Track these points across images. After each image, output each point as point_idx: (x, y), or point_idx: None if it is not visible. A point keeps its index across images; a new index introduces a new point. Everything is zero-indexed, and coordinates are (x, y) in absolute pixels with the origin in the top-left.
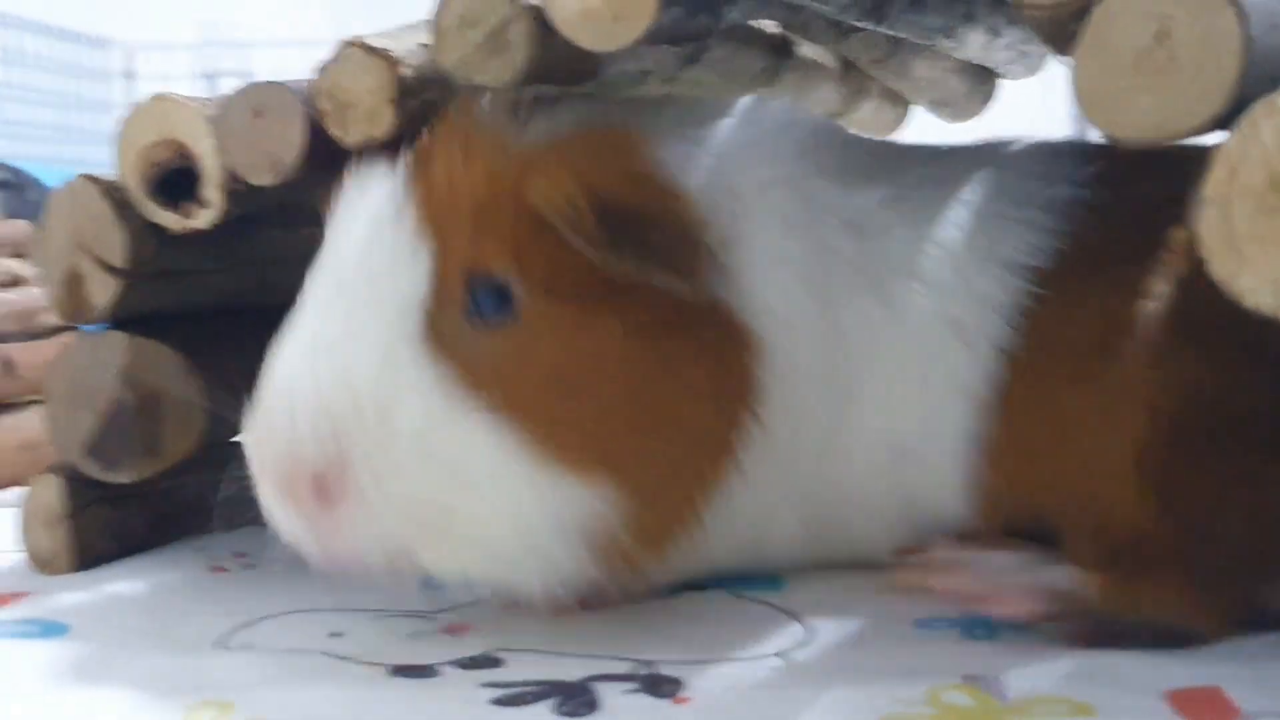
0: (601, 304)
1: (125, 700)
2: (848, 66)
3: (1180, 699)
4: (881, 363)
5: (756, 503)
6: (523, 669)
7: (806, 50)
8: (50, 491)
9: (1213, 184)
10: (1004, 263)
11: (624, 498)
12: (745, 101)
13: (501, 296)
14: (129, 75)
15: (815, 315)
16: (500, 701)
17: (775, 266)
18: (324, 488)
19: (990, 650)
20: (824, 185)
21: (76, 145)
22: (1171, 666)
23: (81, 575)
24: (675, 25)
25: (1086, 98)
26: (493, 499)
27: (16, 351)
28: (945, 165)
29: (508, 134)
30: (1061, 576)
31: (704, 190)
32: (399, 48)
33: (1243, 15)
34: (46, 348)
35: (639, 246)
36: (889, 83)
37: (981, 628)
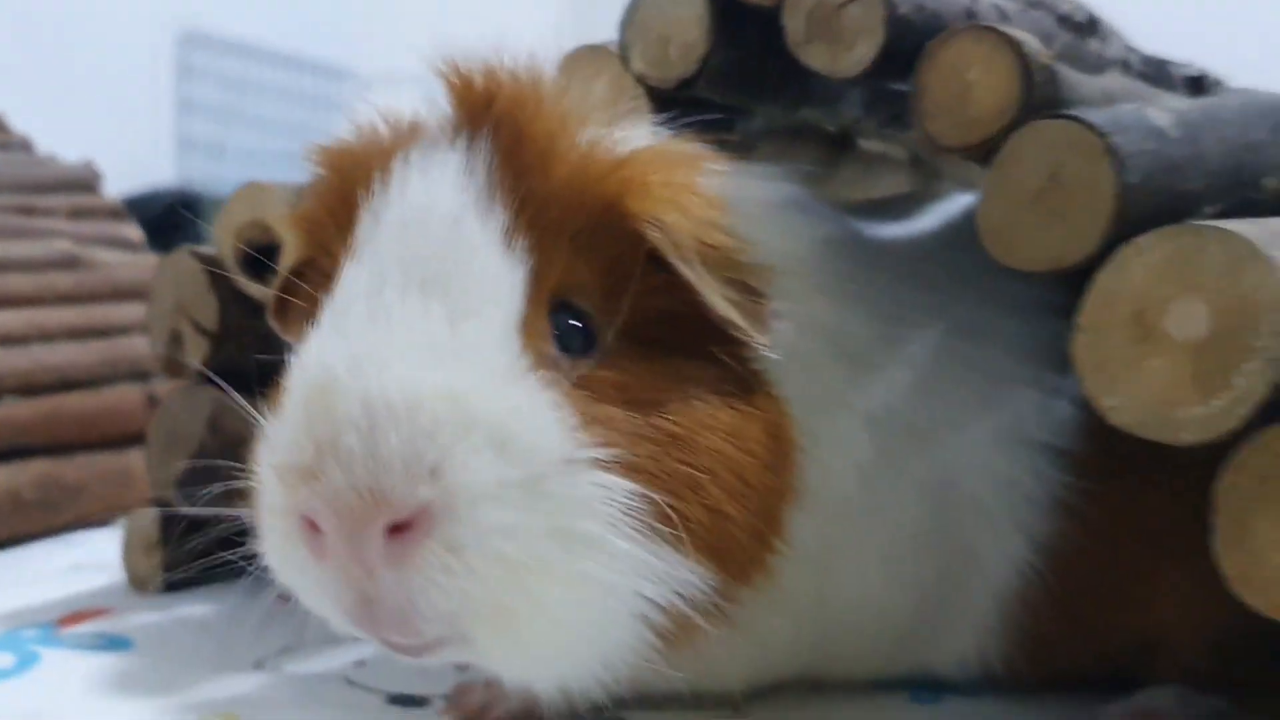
0: (682, 351)
1: (148, 708)
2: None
3: None
4: None
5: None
6: None
7: (871, 142)
8: (147, 521)
9: (1087, 313)
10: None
11: (716, 574)
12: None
13: (583, 328)
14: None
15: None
16: None
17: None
18: (405, 533)
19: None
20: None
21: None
22: None
23: (166, 597)
24: None
25: (989, 231)
26: (594, 566)
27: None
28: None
29: (606, 138)
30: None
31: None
32: None
33: (1119, 163)
34: None
35: (725, 289)
36: (957, 173)
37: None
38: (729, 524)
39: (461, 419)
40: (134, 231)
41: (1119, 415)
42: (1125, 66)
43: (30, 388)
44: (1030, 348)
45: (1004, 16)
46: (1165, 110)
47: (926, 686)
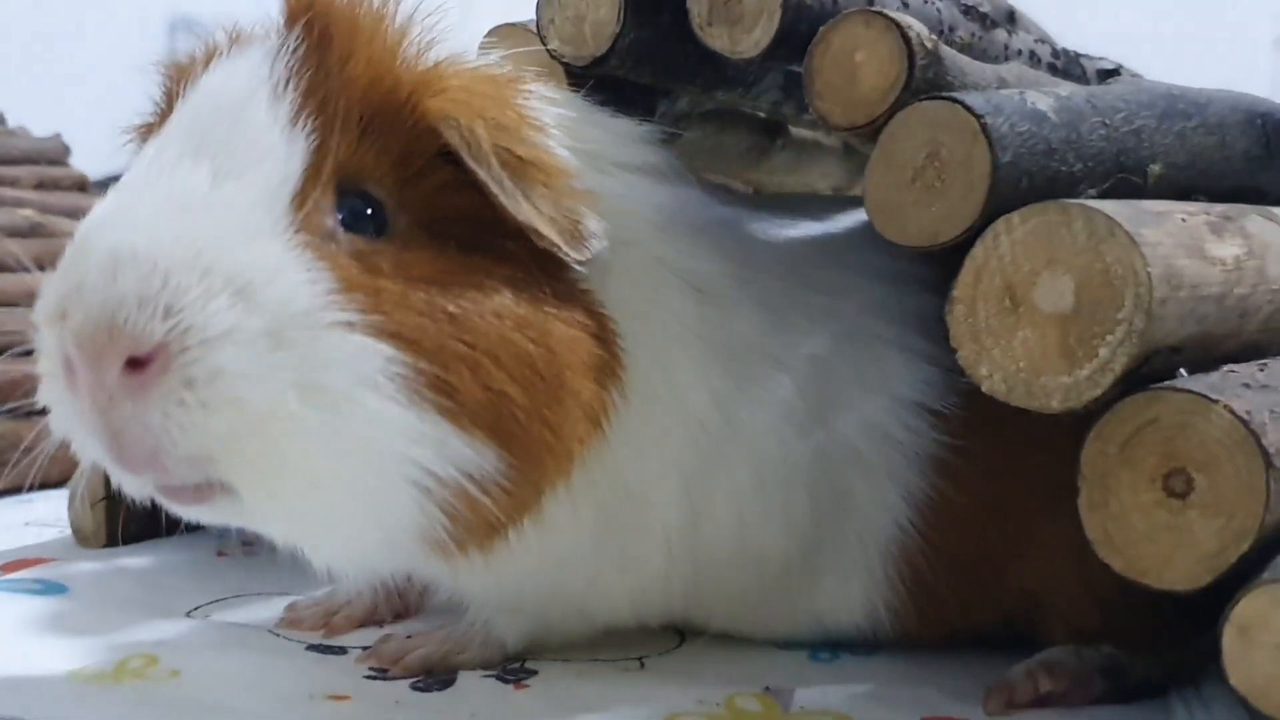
0: (480, 250)
1: (75, 646)
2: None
3: None
4: None
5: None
6: None
7: (803, 130)
8: (96, 476)
9: (961, 286)
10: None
11: (498, 455)
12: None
13: (373, 215)
14: None
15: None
16: (371, 676)
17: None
18: (140, 363)
19: (813, 670)
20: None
21: None
22: (933, 695)
23: (108, 550)
24: None
25: (874, 207)
26: (348, 423)
27: None
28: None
29: (416, 43)
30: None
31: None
32: None
33: (993, 144)
34: None
35: (533, 199)
36: None
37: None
38: (512, 406)
39: (200, 265)
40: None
41: (991, 383)
42: (1033, 58)
43: None
44: (896, 314)
45: (905, 6)
46: (1049, 95)
47: (826, 646)
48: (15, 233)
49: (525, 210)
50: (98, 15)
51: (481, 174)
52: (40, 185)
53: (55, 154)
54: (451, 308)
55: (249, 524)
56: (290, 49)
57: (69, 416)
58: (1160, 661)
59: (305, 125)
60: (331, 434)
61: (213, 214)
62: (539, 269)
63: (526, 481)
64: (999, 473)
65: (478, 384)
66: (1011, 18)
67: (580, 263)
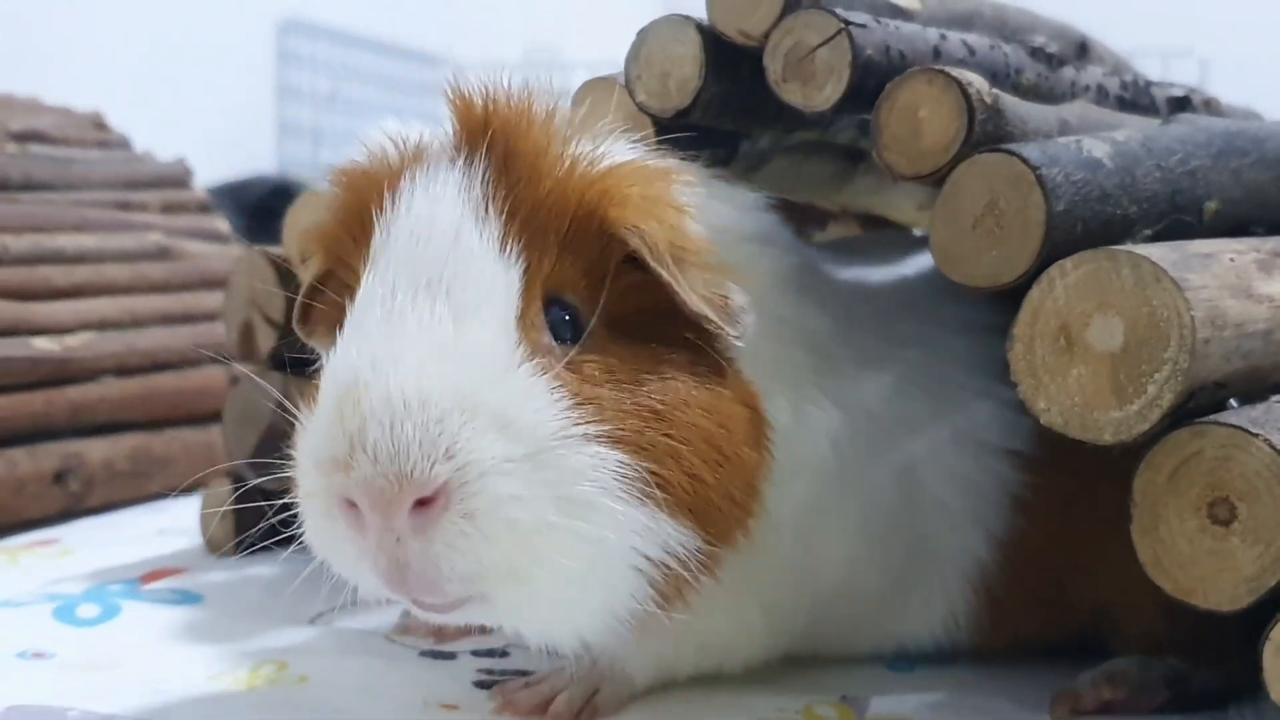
0: (660, 340)
1: (211, 653)
2: None
3: None
4: None
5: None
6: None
7: None
8: (223, 491)
9: (1020, 325)
10: None
11: (697, 533)
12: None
13: (570, 321)
14: None
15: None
16: (479, 684)
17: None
18: (425, 502)
19: (890, 680)
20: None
21: None
22: (1005, 705)
23: (236, 559)
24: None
25: (938, 251)
26: (593, 527)
27: None
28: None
29: (589, 154)
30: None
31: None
32: None
33: (1048, 194)
34: None
35: (696, 286)
36: None
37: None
38: (707, 489)
39: (467, 406)
40: (222, 224)
41: (1049, 417)
42: (1101, 91)
43: (125, 369)
44: (978, 362)
45: (971, 53)
46: (1105, 142)
47: (904, 658)
48: (145, 256)
49: (696, 302)
50: (206, 18)
51: (665, 276)
52: (167, 209)
53: (180, 178)
54: (655, 404)
55: (493, 621)
56: (481, 170)
57: (350, 554)
58: (1222, 673)
59: (513, 250)
60: (580, 539)
61: (466, 355)
62: (705, 350)
63: (717, 550)
64: (1071, 503)
65: (682, 473)
66: (1084, 49)
67: (736, 337)
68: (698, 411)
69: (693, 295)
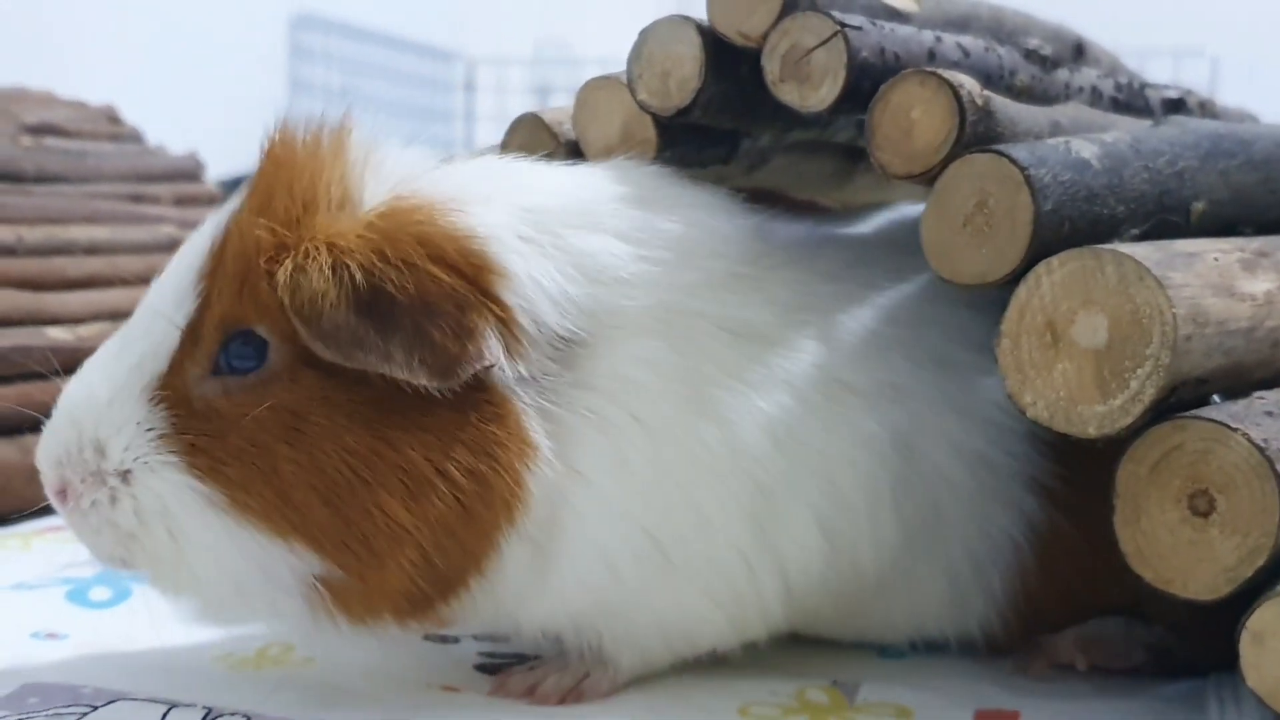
0: (349, 374)
1: (220, 635)
2: None
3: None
4: None
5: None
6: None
7: None
8: None
9: (1007, 321)
10: None
11: (326, 565)
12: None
13: (255, 354)
14: (469, 87)
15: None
16: (479, 668)
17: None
18: (62, 496)
19: (880, 666)
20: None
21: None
22: (990, 690)
23: None
24: (680, 159)
25: (929, 248)
26: (196, 546)
27: None
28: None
29: (323, 197)
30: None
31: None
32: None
33: (1035, 194)
34: None
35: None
36: None
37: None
38: (352, 536)
39: (77, 430)
40: None
41: (1035, 410)
42: (1095, 93)
43: None
44: (980, 340)
45: (966, 55)
46: (1094, 143)
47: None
48: (157, 248)
49: (329, 354)
50: (218, 12)
51: (300, 329)
52: (179, 201)
53: (191, 171)
54: (275, 444)
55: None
56: (239, 202)
57: None
58: (1210, 648)
59: (202, 282)
60: (181, 553)
61: (95, 381)
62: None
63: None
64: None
65: (277, 500)
66: (1080, 51)
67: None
68: (339, 456)
69: (332, 350)
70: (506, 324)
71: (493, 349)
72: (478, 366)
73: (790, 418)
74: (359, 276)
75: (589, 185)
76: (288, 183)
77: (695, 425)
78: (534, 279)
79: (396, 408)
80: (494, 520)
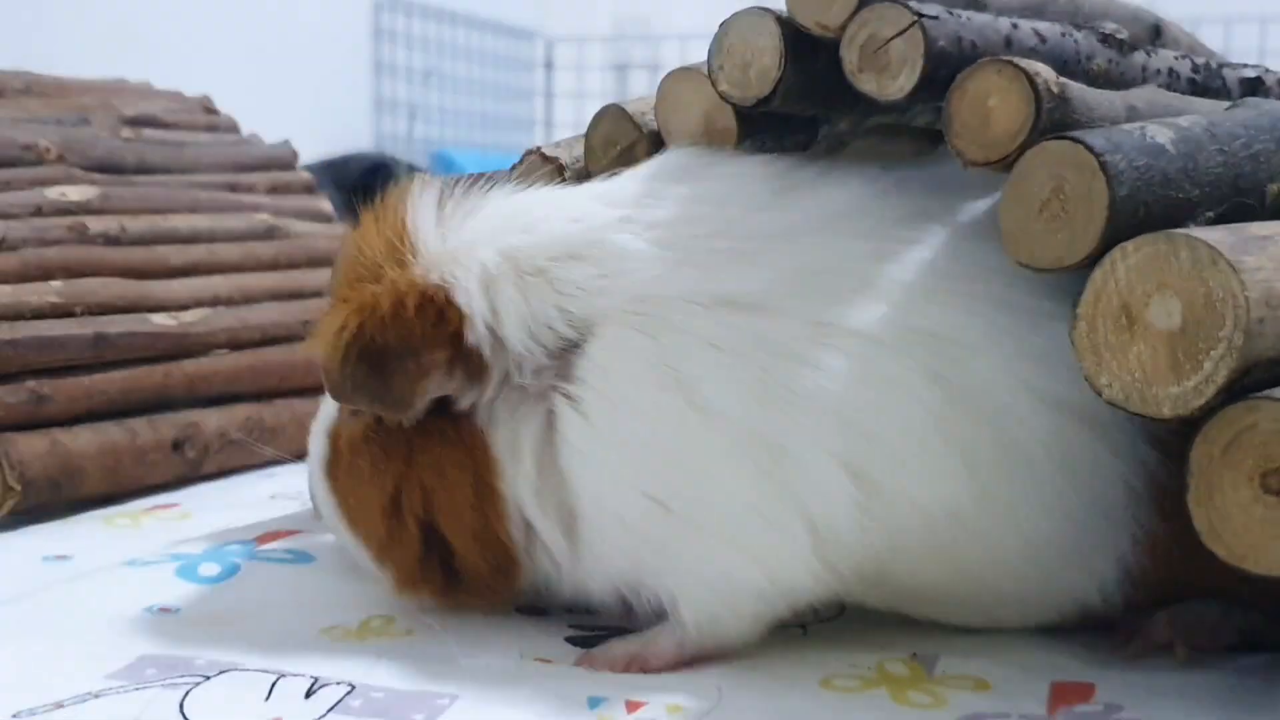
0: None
1: (323, 607)
2: None
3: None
4: None
5: None
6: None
7: None
8: None
9: (1084, 305)
10: None
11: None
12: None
13: None
14: (549, 66)
15: None
16: (571, 640)
17: None
18: None
19: (958, 639)
20: None
21: (500, 132)
22: (1066, 662)
23: None
24: (760, 146)
25: (1006, 234)
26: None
27: None
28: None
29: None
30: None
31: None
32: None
33: (1110, 180)
34: None
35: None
36: None
37: None
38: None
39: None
40: (325, 205)
41: (1110, 393)
42: (1172, 75)
43: (238, 343)
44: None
45: (1042, 41)
46: (1169, 128)
47: None
48: (254, 236)
49: (350, 402)
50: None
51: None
52: (274, 190)
53: (285, 160)
54: (350, 470)
55: None
56: None
57: None
58: None
59: None
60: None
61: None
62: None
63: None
64: None
65: (367, 519)
66: (1157, 33)
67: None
68: (374, 478)
69: (334, 395)
70: (467, 358)
71: (442, 384)
72: (429, 399)
73: (782, 373)
74: (351, 335)
75: (578, 214)
76: (353, 255)
77: (672, 397)
78: (498, 315)
79: (398, 438)
80: (491, 520)
